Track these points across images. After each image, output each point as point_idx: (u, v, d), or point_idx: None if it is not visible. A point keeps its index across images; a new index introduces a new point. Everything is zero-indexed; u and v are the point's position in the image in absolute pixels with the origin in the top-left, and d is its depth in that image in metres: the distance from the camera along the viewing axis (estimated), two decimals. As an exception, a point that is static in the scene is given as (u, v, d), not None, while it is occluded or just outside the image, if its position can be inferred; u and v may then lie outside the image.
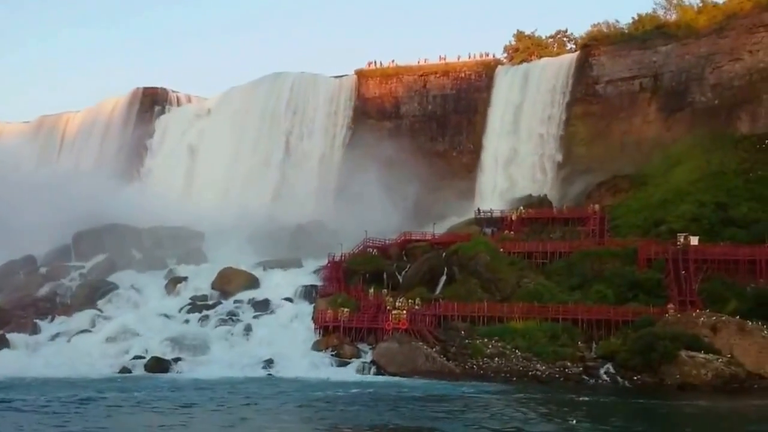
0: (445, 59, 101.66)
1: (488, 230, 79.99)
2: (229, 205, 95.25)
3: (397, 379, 51.47)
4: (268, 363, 54.43)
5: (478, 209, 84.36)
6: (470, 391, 45.25)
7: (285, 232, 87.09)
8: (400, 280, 71.81)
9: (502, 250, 69.71)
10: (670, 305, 57.67)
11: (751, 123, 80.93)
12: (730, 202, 71.17)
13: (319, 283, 72.02)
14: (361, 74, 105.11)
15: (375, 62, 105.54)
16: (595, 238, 72.40)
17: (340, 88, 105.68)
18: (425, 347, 55.66)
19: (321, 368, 54.42)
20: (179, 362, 54.20)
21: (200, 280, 74.34)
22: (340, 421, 34.77)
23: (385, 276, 72.09)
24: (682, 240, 65.26)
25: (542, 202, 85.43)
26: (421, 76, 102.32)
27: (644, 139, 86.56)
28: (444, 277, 70.21)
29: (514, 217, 79.18)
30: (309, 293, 70.19)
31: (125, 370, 52.83)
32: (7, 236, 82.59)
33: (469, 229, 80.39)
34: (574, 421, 32.85)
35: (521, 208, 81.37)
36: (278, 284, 72.88)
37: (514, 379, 52.04)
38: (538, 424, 33.41)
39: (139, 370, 52.81)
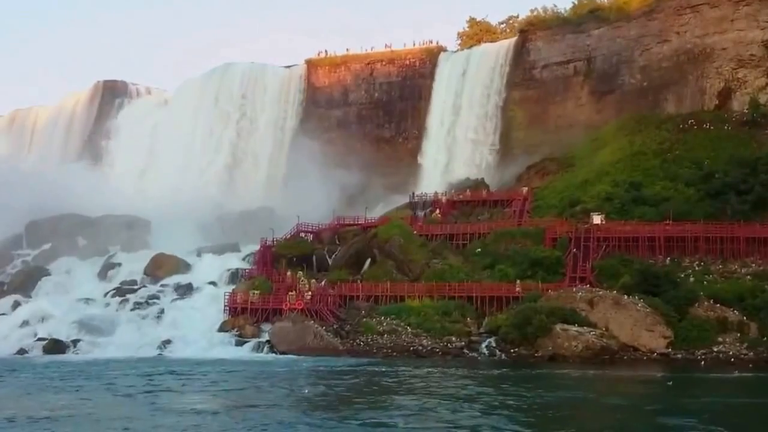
0: (390, 47, 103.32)
1: (421, 213, 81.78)
2: (182, 193, 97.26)
3: (279, 356, 53.23)
4: (164, 344, 56.26)
5: (413, 193, 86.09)
6: (323, 365, 47.01)
7: (231, 218, 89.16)
8: (330, 264, 73.95)
9: (416, 232, 71.55)
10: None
11: (676, 103, 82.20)
12: (645, 181, 72.34)
13: (248, 268, 74.05)
14: (310, 63, 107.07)
15: (325, 52, 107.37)
16: (517, 219, 74.02)
17: (290, 77, 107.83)
18: (316, 326, 57.24)
19: (217, 348, 55.87)
20: (77, 344, 56.16)
21: (135, 266, 75.93)
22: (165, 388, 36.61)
23: (314, 259, 74.14)
24: (595, 219, 66.95)
25: (478, 185, 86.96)
26: (368, 64, 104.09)
27: (577, 122, 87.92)
28: (369, 260, 72.17)
29: (444, 200, 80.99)
30: (235, 277, 72.17)
31: (22, 351, 54.98)
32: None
33: (404, 213, 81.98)
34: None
35: (452, 191, 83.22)
36: (208, 269, 74.58)
37: (395, 354, 53.50)
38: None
39: (37, 352, 54.85)
